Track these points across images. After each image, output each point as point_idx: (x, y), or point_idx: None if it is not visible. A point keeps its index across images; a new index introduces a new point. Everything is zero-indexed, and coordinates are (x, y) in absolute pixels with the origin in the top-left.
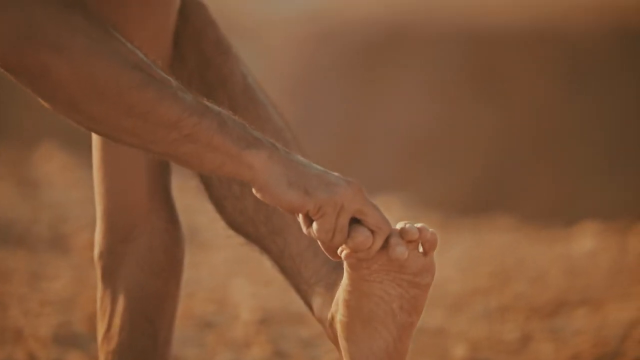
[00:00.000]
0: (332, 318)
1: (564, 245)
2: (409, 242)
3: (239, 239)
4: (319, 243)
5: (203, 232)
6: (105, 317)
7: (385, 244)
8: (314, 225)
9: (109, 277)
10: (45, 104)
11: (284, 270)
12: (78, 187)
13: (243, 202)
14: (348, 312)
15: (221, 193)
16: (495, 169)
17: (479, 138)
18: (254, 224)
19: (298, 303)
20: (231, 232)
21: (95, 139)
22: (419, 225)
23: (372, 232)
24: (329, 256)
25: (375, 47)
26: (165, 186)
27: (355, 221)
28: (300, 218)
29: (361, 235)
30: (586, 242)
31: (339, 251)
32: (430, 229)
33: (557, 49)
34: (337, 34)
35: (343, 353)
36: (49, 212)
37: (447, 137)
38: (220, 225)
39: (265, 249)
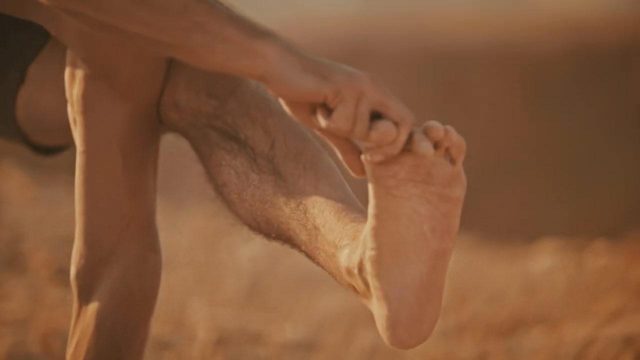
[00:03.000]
0: (361, 262)
1: (522, 263)
2: (435, 146)
3: (196, 258)
4: (339, 154)
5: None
6: (75, 336)
7: (409, 145)
8: (333, 114)
9: (84, 297)
10: None
11: (308, 244)
12: (35, 206)
13: (262, 188)
14: (376, 242)
15: (239, 187)
16: None
17: None
18: (275, 208)
19: (255, 323)
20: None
21: (78, 156)
22: (445, 126)
23: (396, 124)
24: (350, 170)
25: (341, 60)
26: (147, 212)
27: (375, 118)
28: (319, 114)
29: (384, 125)
30: (544, 259)
31: (362, 157)
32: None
33: (519, 68)
34: (303, 48)
35: (376, 296)
36: (5, 230)
37: None
38: (177, 244)
39: (288, 231)
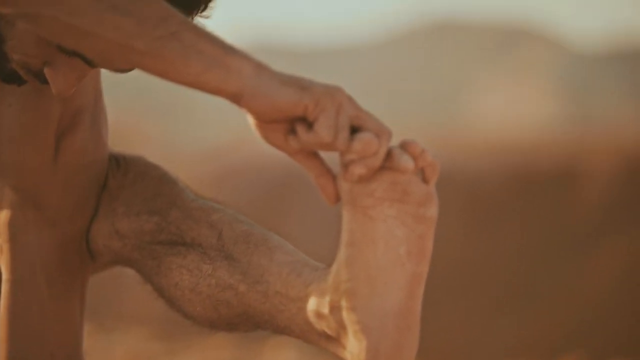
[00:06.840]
0: (332, 300)
1: None
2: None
3: None
4: (313, 178)
5: None
6: None
7: (388, 162)
8: (315, 124)
9: None
10: None
11: (272, 310)
12: None
13: (217, 275)
14: (351, 272)
15: (193, 281)
16: None
17: None
18: (232, 288)
19: None
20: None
21: (3, 284)
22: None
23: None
24: (324, 196)
25: (276, 184)
26: (72, 340)
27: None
28: (298, 128)
29: (367, 135)
30: None
31: (339, 176)
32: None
33: (456, 190)
34: (239, 172)
35: (352, 331)
36: None
37: None
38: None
39: (249, 307)
